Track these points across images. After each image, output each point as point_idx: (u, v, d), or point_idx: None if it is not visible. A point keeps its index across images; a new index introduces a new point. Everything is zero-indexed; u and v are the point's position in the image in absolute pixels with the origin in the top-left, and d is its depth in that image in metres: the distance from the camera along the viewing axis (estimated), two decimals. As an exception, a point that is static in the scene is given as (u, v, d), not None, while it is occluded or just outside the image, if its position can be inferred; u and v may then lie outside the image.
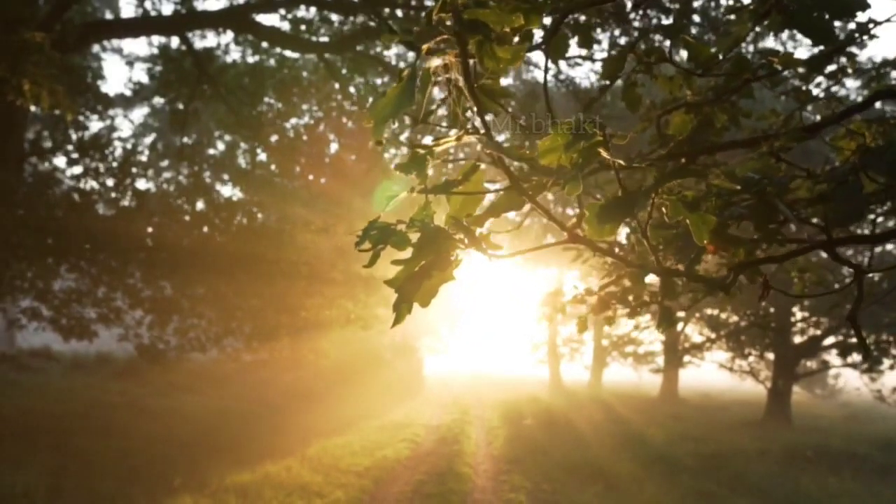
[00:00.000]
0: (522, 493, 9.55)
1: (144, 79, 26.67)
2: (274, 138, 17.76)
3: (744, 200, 1.46)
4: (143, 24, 12.38)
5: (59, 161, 13.78)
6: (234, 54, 21.64)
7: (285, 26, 15.08)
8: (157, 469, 9.32)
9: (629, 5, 10.25)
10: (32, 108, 15.12)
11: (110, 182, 12.96)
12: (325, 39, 15.16)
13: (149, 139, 27.96)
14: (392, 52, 16.55)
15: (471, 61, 1.18)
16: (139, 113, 33.84)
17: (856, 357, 20.67)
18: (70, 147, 13.26)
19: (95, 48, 22.39)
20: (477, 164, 1.28)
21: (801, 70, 1.84)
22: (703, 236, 1.29)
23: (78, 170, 13.09)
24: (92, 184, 12.92)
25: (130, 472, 9.15)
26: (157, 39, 18.75)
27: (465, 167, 1.30)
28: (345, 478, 9.88)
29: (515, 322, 41.87)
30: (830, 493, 9.89)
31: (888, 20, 2.02)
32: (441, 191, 1.23)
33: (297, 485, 9.08)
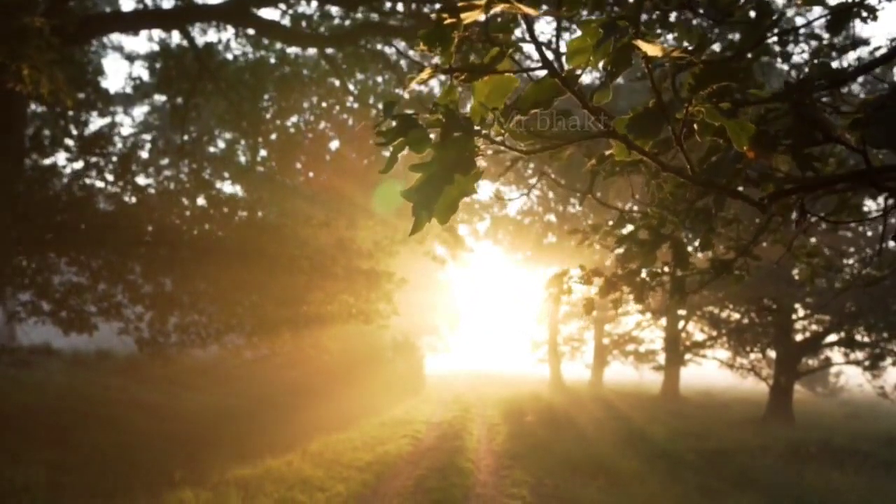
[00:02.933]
0: (524, 487, 9.50)
1: (145, 75, 26.62)
2: (274, 136, 17.71)
3: (780, 114, 1.39)
4: (143, 18, 12.33)
5: (60, 159, 13.77)
6: (235, 51, 21.60)
7: (286, 22, 15.04)
8: (157, 464, 9.27)
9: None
10: (32, 107, 15.08)
11: (111, 178, 12.91)
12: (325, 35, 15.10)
13: (149, 137, 27.87)
14: (393, 49, 16.51)
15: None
16: (139, 111, 33.78)
17: (858, 354, 20.64)
18: (70, 143, 13.22)
19: (96, 45, 22.33)
20: (503, 49, 1.20)
21: (823, 14, 1.77)
22: (743, 142, 1.20)
23: (78, 165, 13.06)
24: (93, 180, 12.88)
25: (131, 466, 9.10)
26: (157, 36, 18.70)
27: (491, 52, 1.22)
28: (346, 472, 9.83)
29: (516, 321, 41.81)
30: (834, 488, 9.83)
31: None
32: (466, 69, 1.16)
33: (299, 479, 9.03)
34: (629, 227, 3.65)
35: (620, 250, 3.20)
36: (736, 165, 1.28)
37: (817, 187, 1.55)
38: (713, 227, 2.66)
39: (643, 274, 3.57)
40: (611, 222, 3.93)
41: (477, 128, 1.16)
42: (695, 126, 1.26)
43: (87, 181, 12.77)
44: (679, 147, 1.23)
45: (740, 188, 3.04)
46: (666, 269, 2.94)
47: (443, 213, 1.14)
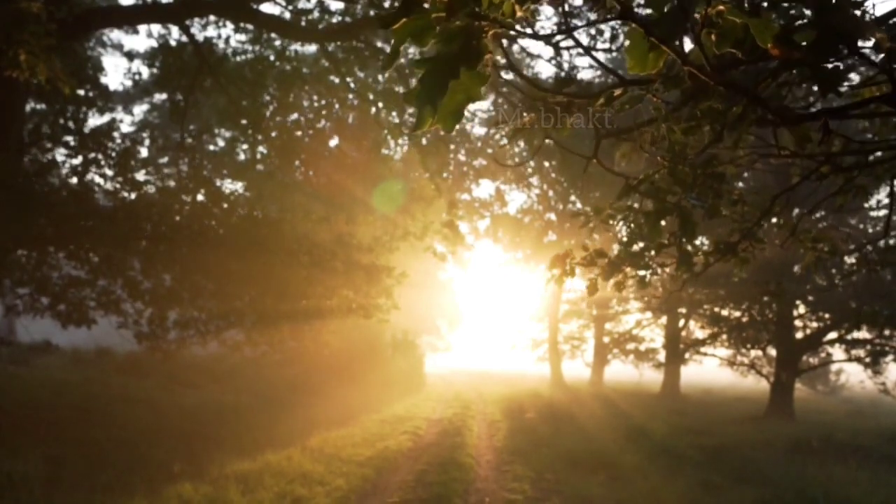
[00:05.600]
0: (525, 482, 9.46)
1: (144, 71, 26.57)
2: (274, 134, 17.65)
3: (802, 25, 1.33)
4: (142, 12, 12.28)
5: (59, 156, 13.68)
6: (235, 47, 21.60)
7: (286, 17, 14.99)
8: (156, 458, 9.23)
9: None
10: (32, 104, 15.01)
11: (110, 173, 12.87)
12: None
13: (148, 134, 27.85)
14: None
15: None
16: (139, 109, 33.75)
17: (859, 351, 20.59)
18: (70, 139, 13.16)
19: (95, 43, 22.30)
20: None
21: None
22: (767, 40, 1.15)
23: (77, 161, 13.01)
24: (92, 174, 12.83)
25: (130, 461, 9.06)
26: (156, 32, 18.61)
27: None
28: (346, 467, 9.78)
29: (516, 319, 41.78)
30: (837, 482, 9.78)
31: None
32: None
33: (298, 473, 8.99)
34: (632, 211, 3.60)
35: (624, 231, 3.15)
36: (757, 79, 1.23)
37: (842, 110, 1.50)
38: (720, 194, 2.61)
39: (646, 258, 3.53)
40: (611, 216, 3.89)
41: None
42: (713, 37, 1.20)
43: (87, 177, 12.72)
44: (698, 47, 1.18)
45: (750, 160, 2.97)
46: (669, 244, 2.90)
47: (447, 117, 1.07)
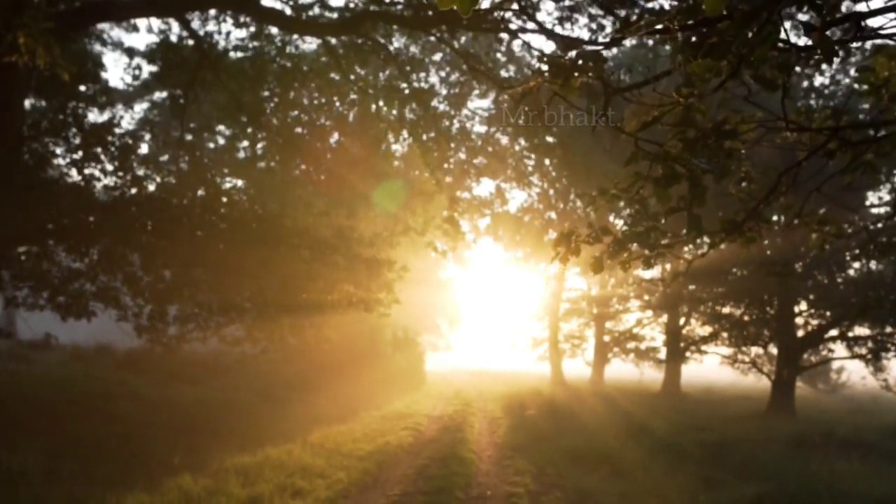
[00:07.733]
0: (527, 476, 9.43)
1: (145, 66, 26.45)
2: (274, 131, 17.62)
3: None
4: (142, 6, 12.23)
5: (59, 151, 13.66)
6: (235, 42, 21.60)
7: (287, 12, 14.93)
8: (156, 453, 9.20)
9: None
10: (32, 101, 14.95)
11: (110, 168, 12.82)
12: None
13: (149, 132, 27.80)
14: (393, 46, 16.43)
15: None
16: (140, 107, 33.72)
17: (861, 349, 20.54)
18: (69, 134, 13.12)
19: (95, 41, 22.26)
20: None
21: None
22: None
23: (77, 156, 12.95)
24: (92, 170, 12.79)
25: (129, 455, 9.03)
26: (157, 28, 18.60)
27: None
28: (347, 461, 9.76)
29: (517, 318, 41.75)
30: (839, 476, 9.74)
31: None
32: None
33: (299, 467, 8.97)
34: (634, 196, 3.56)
35: (630, 212, 3.11)
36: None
37: (870, 15, 1.46)
38: (731, 154, 2.58)
39: (652, 237, 3.49)
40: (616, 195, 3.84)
41: None
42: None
43: (87, 171, 12.67)
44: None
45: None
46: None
47: (463, -2, 1.03)
